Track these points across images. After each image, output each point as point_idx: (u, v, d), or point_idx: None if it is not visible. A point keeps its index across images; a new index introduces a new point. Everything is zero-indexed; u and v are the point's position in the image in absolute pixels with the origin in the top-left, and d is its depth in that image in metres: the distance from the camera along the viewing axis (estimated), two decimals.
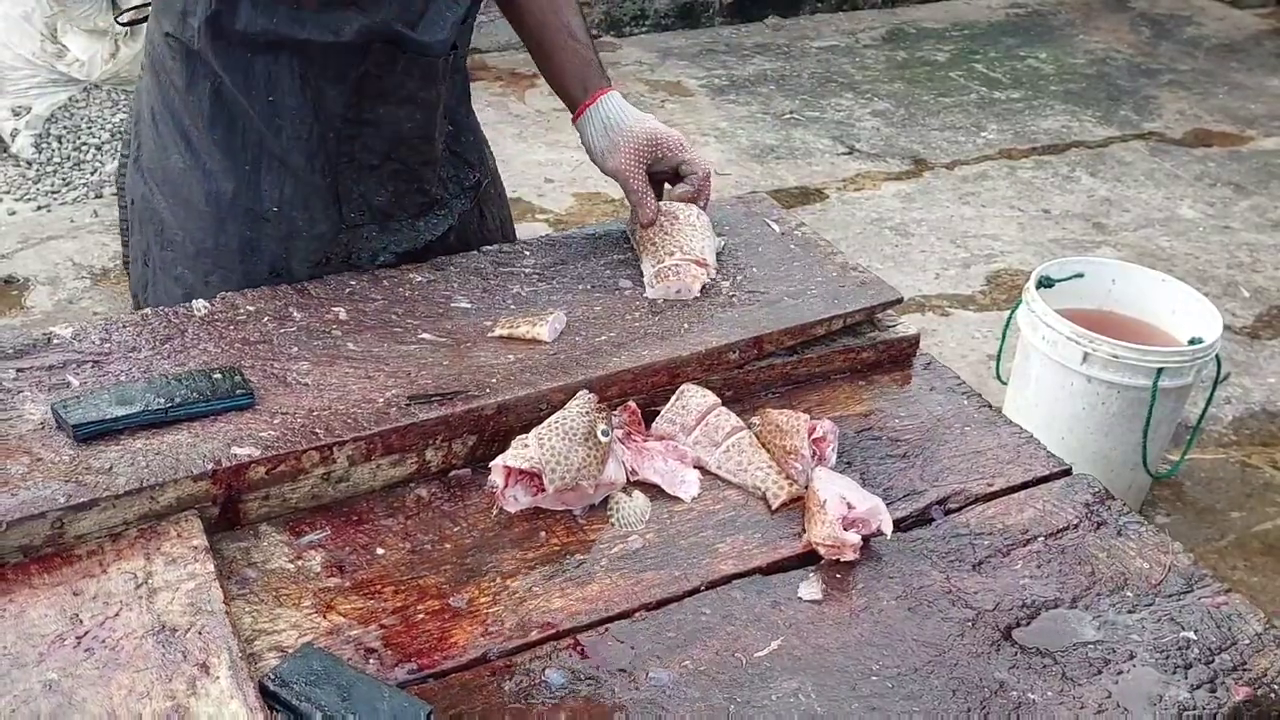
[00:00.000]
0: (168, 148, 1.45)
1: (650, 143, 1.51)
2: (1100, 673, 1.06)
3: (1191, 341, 2.60)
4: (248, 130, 1.40)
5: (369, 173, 1.45)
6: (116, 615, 1.00)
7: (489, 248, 1.55)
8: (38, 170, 3.90)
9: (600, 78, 1.54)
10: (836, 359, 1.44)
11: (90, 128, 3.98)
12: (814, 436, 1.25)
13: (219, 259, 1.45)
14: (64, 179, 3.88)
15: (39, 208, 3.78)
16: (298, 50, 1.32)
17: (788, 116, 4.75)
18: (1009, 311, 2.86)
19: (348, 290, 1.42)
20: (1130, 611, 1.12)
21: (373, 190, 1.47)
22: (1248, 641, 1.09)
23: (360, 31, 1.33)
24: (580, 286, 1.46)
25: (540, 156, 4.21)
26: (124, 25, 1.72)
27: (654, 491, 1.23)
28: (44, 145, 3.93)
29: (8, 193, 3.84)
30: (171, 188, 1.46)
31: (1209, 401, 2.77)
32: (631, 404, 1.30)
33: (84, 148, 3.95)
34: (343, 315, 1.37)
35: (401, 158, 1.46)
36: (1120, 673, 1.06)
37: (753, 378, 1.38)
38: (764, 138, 4.56)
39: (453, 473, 1.25)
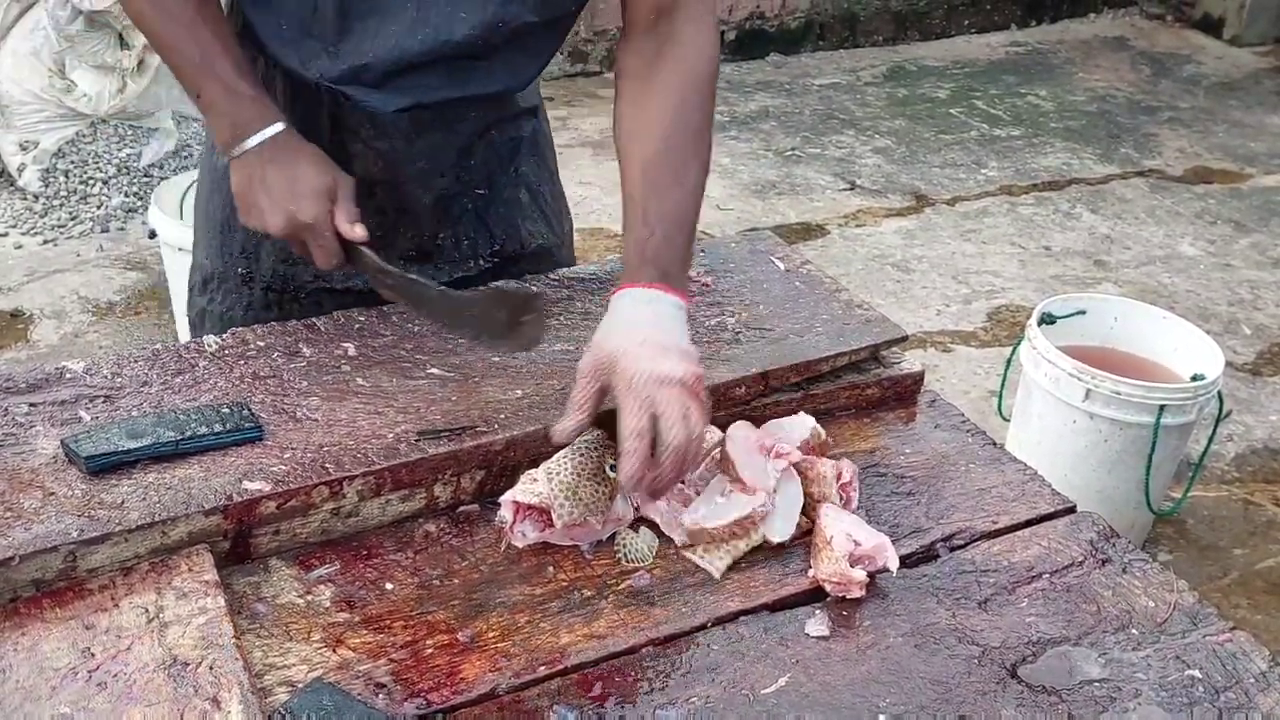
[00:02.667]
0: (206, 156, 1.59)
1: (606, 362, 1.20)
2: (1106, 710, 1.06)
3: (1193, 378, 2.61)
4: None
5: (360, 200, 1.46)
6: (128, 649, 1.01)
7: (495, 284, 1.56)
8: (44, 204, 3.93)
9: (637, 271, 1.27)
10: (841, 395, 1.45)
11: (97, 162, 4.01)
12: (841, 482, 1.25)
13: (220, 271, 1.56)
14: (70, 213, 3.91)
15: (45, 241, 3.81)
16: (284, 74, 1.41)
17: (789, 153, 4.79)
18: (1011, 348, 2.87)
19: (356, 326, 1.43)
20: (1135, 649, 1.13)
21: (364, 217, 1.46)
22: (1252, 680, 1.10)
23: (322, 73, 1.37)
24: (586, 323, 1.47)
25: None
26: None
27: (660, 527, 1.24)
28: (51, 179, 3.96)
29: (14, 226, 3.87)
30: (201, 192, 1.59)
31: (1211, 439, 2.78)
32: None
33: (90, 182, 3.98)
34: (352, 351, 1.38)
35: (378, 199, 1.46)
36: (1126, 710, 1.06)
37: (759, 414, 1.39)
38: (766, 174, 4.59)
39: (461, 508, 1.26)
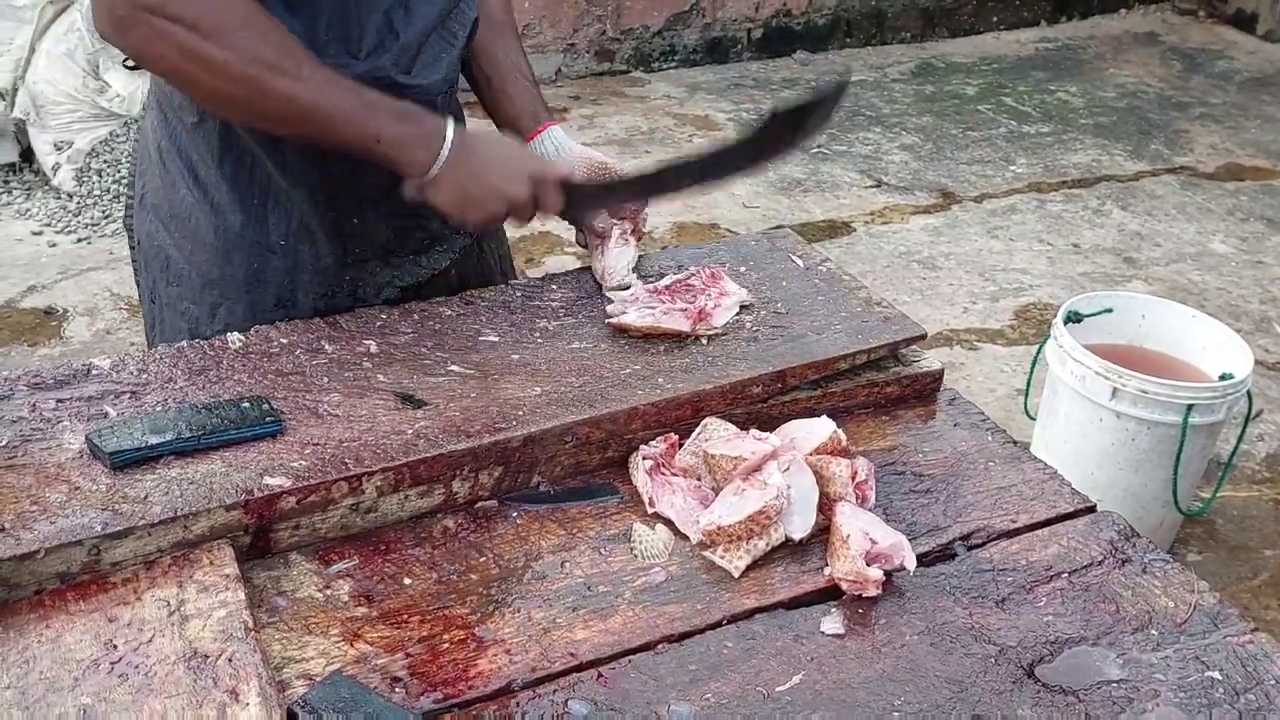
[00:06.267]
0: (175, 183, 1.49)
1: (600, 166, 1.58)
2: (1124, 711, 1.05)
3: (1222, 377, 2.58)
4: (255, 166, 1.44)
5: (371, 209, 1.48)
6: (150, 641, 1.03)
7: (518, 281, 1.57)
8: (78, 203, 3.98)
9: (547, 112, 1.62)
10: (860, 393, 1.45)
11: (130, 162, 4.06)
12: (857, 481, 1.25)
13: (225, 290, 1.49)
14: (104, 211, 3.96)
15: (79, 240, 3.86)
16: None
17: (815, 150, 4.77)
18: (1037, 346, 2.85)
19: (378, 324, 1.44)
20: (1155, 650, 1.12)
21: (376, 226, 1.51)
22: (1273, 682, 1.09)
23: (358, 78, 1.35)
24: (607, 320, 1.48)
25: None
26: (130, 68, 1.77)
27: (676, 524, 1.25)
28: (85, 179, 4.01)
29: (49, 225, 3.92)
30: (179, 223, 1.49)
31: (1240, 438, 2.75)
32: (673, 435, 1.32)
33: (124, 181, 4.03)
34: (373, 348, 1.39)
35: (401, 196, 1.49)
36: (1144, 712, 1.05)
37: (776, 411, 1.39)
38: (791, 171, 4.58)
39: (479, 504, 1.27)
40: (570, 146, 1.59)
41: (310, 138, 1.36)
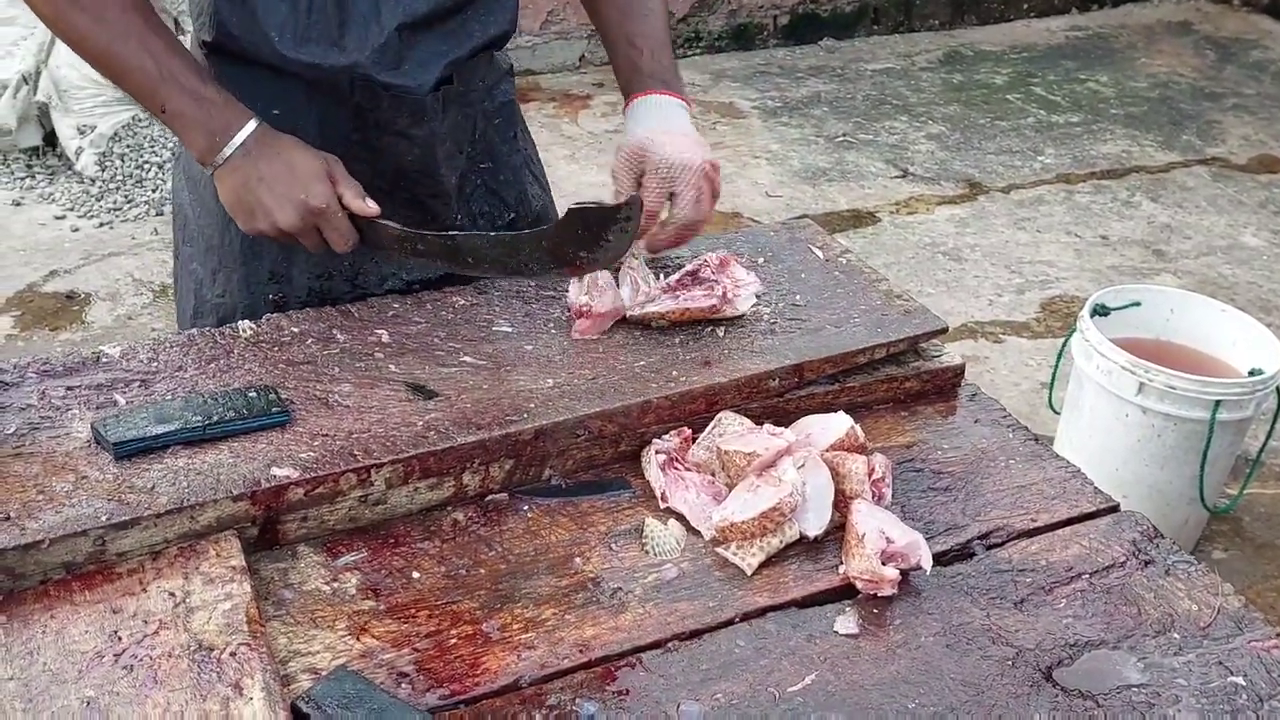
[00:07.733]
0: (196, 200, 1.50)
1: (637, 152, 1.44)
2: (1144, 717, 1.03)
3: (1252, 373, 2.54)
4: None
5: (379, 198, 1.46)
6: (155, 634, 1.02)
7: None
8: (100, 188, 3.99)
9: (641, 82, 1.49)
10: (879, 388, 1.42)
11: (153, 146, 4.07)
12: (873, 478, 1.23)
13: (224, 258, 1.50)
14: (126, 196, 3.97)
15: (101, 225, 3.87)
16: (296, 76, 1.36)
17: (841, 139, 4.73)
18: (1063, 339, 2.81)
19: (391, 313, 1.43)
20: (1177, 654, 1.09)
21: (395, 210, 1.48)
22: None
23: (341, 68, 1.35)
24: (625, 317, 1.46)
25: (592, 178, 4.23)
26: None
27: (689, 520, 1.23)
28: (107, 163, 4.02)
29: (71, 209, 3.93)
30: (193, 184, 1.51)
31: (1270, 434, 2.70)
32: (686, 430, 1.30)
33: (146, 166, 4.04)
34: (385, 338, 1.38)
35: (408, 188, 1.47)
36: (1165, 717, 1.03)
37: (793, 406, 1.37)
38: (816, 160, 4.54)
39: (489, 497, 1.25)
40: (630, 127, 1.45)
41: (120, 87, 1.35)
